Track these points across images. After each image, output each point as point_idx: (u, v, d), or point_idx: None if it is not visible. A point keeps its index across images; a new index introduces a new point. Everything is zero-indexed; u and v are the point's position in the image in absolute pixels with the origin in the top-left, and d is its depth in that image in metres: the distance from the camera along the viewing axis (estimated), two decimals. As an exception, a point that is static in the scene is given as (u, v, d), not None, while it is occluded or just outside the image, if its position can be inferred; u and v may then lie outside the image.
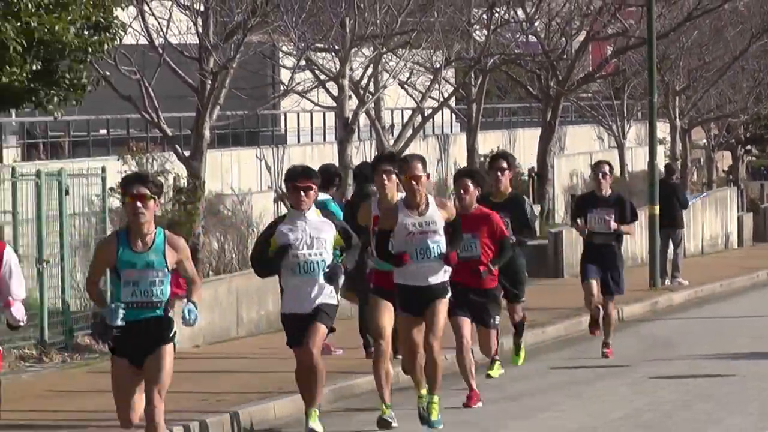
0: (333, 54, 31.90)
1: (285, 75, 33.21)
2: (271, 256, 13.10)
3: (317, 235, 12.93)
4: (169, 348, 11.13)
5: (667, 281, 30.62)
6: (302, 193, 12.91)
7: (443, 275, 13.75)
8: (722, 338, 23.46)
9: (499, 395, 18.01)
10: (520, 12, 36.99)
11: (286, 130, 43.46)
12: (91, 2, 21.89)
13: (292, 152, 40.39)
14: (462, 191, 15.17)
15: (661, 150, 39.37)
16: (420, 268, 13.54)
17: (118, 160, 27.20)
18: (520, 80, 40.70)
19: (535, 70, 38.15)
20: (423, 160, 13.91)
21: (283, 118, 42.92)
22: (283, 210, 31.97)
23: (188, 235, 24.94)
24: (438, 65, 34.61)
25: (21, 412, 15.74)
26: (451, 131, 47.98)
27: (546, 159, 39.81)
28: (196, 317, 10.98)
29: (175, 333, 11.24)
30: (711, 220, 41.77)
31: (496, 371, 17.21)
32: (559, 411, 17.35)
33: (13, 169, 24.28)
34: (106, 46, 22.62)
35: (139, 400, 11.27)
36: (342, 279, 13.16)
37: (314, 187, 13.11)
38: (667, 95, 42.47)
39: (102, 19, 21.93)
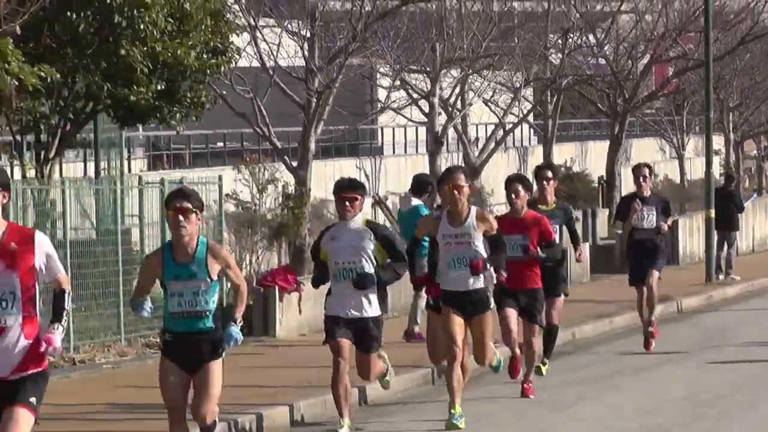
0: (425, 75, 31.34)
1: (382, 94, 33.04)
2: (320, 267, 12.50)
3: (358, 244, 12.18)
4: (217, 365, 10.30)
5: (722, 277, 29.54)
6: (347, 203, 12.20)
7: (482, 281, 12.77)
8: (772, 327, 23.51)
9: (571, 378, 17.23)
10: (591, 37, 35.46)
11: (382, 143, 42.93)
12: (210, 29, 20.45)
13: (387, 163, 39.49)
14: (513, 195, 14.26)
15: (716, 161, 37.61)
16: (459, 275, 12.64)
17: (233, 169, 26.36)
18: (591, 98, 38.88)
19: (605, 89, 36.33)
20: (465, 172, 13.15)
21: (380, 132, 42.45)
22: (380, 213, 31.66)
23: (296, 237, 24.43)
24: (518, 85, 32.22)
25: (144, 393, 15.12)
26: (530, 144, 47.23)
27: (614, 168, 38.19)
28: (236, 340, 9.99)
29: (224, 349, 10.24)
30: (761, 222, 40.62)
31: (545, 369, 16.29)
32: (625, 391, 16.59)
33: (140, 177, 25.00)
34: (222, 68, 21.60)
35: (188, 398, 10.69)
36: (374, 288, 12.14)
37: (359, 198, 12.37)
38: (722, 111, 41.54)
39: (219, 44, 20.98)
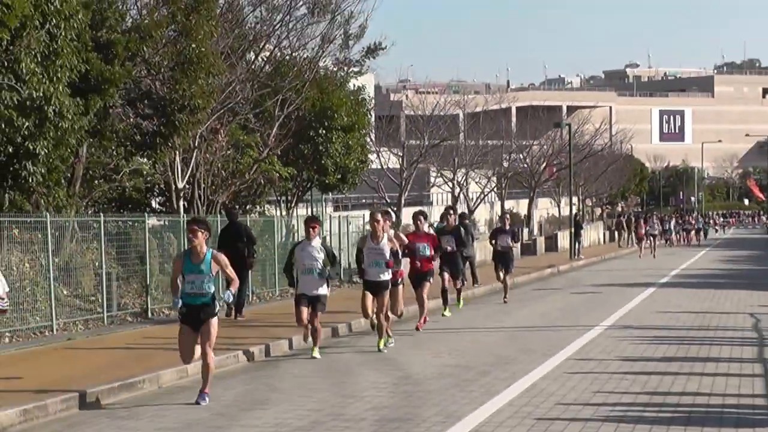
0: (451, 171, 57.98)
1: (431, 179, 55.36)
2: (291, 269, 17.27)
3: (316, 254, 16.69)
4: (214, 320, 13.02)
5: (576, 257, 50.90)
6: (311, 229, 16.81)
7: (386, 275, 17.74)
8: None
9: (512, 298, 27.78)
10: (521, 155, 69.12)
11: (431, 199, 63.74)
12: (359, 152, 33.87)
13: (433, 208, 61.40)
14: (419, 222, 20.51)
15: (573, 208, 74.10)
16: (375, 271, 17.70)
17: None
18: (521, 181, 69.31)
19: (526, 177, 68.30)
20: (382, 212, 18.63)
21: (431, 195, 63.90)
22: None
23: None
24: (490, 174, 61.46)
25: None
26: (493, 200, 66.97)
27: (530, 211, 67.18)
28: (230, 297, 13.24)
29: (218, 310, 13.22)
30: (590, 233, 67.45)
31: (448, 312, 23.78)
32: (530, 306, 26.71)
33: (329, 215, 38.13)
34: (364, 168, 36.33)
35: (196, 350, 13.24)
36: (330, 280, 17.02)
37: (317, 226, 16.91)
38: (576, 186, 66.53)
39: (363, 158, 35.25)
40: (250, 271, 24.19)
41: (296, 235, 31.26)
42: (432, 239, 20.46)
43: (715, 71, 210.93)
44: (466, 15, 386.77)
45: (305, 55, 32.79)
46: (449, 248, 23.14)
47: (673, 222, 76.22)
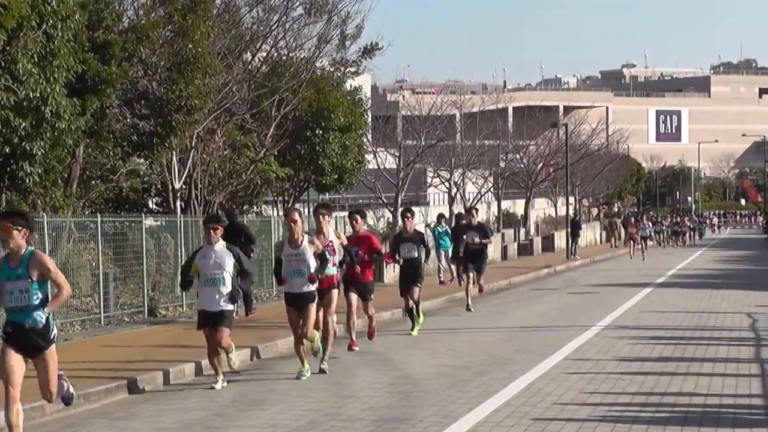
0: (447, 171, 55.66)
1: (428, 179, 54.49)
2: (190, 277, 14.26)
3: (221, 261, 13.82)
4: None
5: (572, 257, 51.31)
6: (212, 231, 13.88)
7: (310, 287, 14.71)
8: None
9: (503, 299, 28.76)
10: (518, 155, 68.56)
11: (428, 200, 63.95)
12: (355, 152, 33.91)
13: (430, 209, 59.53)
14: (354, 222, 17.91)
15: (570, 208, 73.34)
16: (297, 282, 14.67)
17: (367, 211, 40.83)
18: (518, 180, 68.63)
19: (523, 177, 68.30)
20: (299, 210, 15.68)
21: (427, 195, 62.75)
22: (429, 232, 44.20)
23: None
24: (487, 174, 62.08)
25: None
26: (490, 200, 65.79)
27: (527, 211, 66.64)
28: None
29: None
30: (587, 233, 67.15)
31: (416, 329, 20.52)
32: (527, 307, 26.60)
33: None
34: (361, 168, 36.10)
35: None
36: (240, 295, 14.33)
37: (220, 228, 13.95)
38: (573, 186, 69.90)
39: (359, 159, 34.78)
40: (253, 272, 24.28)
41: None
42: (369, 243, 17.78)
43: (712, 71, 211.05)
44: (463, 15, 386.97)
45: (302, 56, 32.83)
46: (413, 255, 20.76)
47: (667, 222, 75.40)
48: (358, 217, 18.59)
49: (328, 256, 15.11)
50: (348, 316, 17.76)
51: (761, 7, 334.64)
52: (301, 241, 14.49)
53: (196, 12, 23.95)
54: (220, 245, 13.89)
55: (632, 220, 57.66)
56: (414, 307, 20.54)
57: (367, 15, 32.70)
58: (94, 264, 21.57)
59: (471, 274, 24.98)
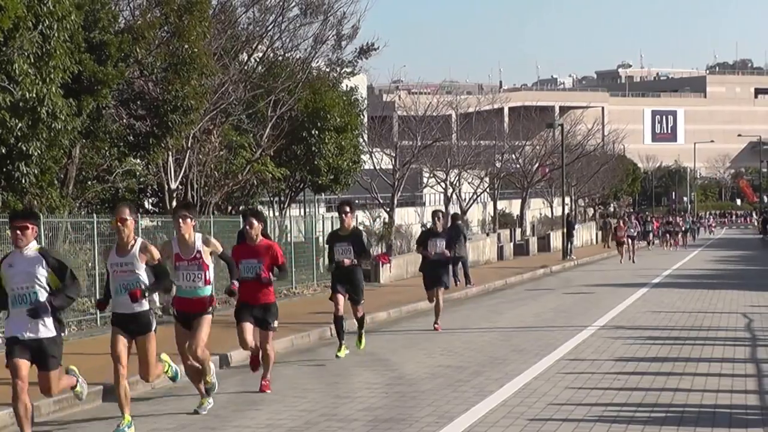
0: (443, 172, 55.78)
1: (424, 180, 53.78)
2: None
3: (31, 271, 10.27)
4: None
5: (568, 257, 50.81)
6: (18, 232, 10.36)
7: (146, 305, 11.53)
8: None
9: (499, 299, 29.11)
10: (514, 155, 68.54)
11: (424, 200, 62.52)
12: (351, 153, 33.61)
13: (426, 209, 59.13)
14: (248, 226, 13.51)
15: (566, 208, 73.86)
16: (125, 300, 11.37)
17: (364, 212, 40.76)
18: (513, 181, 68.25)
19: (519, 178, 68.35)
20: (130, 206, 11.64)
21: (423, 195, 61.46)
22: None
23: (388, 240, 37.98)
24: (483, 174, 61.30)
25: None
26: (486, 200, 66.17)
27: (522, 211, 66.74)
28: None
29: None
30: (583, 234, 69.45)
31: (343, 352, 16.60)
32: (526, 306, 26.89)
33: (322, 216, 37.70)
34: (357, 169, 35.30)
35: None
36: (48, 314, 10.28)
37: (30, 227, 10.39)
38: (569, 186, 63.58)
39: (356, 159, 34.60)
40: None
41: (288, 234, 31.42)
42: (270, 254, 13.61)
43: (708, 71, 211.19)
44: (459, 16, 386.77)
45: (298, 56, 32.88)
46: (346, 261, 16.52)
47: (657, 222, 73.10)
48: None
49: (188, 270, 12.45)
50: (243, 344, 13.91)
51: (757, 7, 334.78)
52: (131, 247, 11.37)
53: (192, 12, 23.97)
54: (33, 248, 10.49)
55: (620, 222, 54.20)
56: (358, 324, 17.33)
57: (363, 15, 32.97)
58: (90, 264, 21.49)
59: (435, 290, 21.21)
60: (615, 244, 52.44)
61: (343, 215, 16.36)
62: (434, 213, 21.63)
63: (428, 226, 24.77)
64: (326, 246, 17.50)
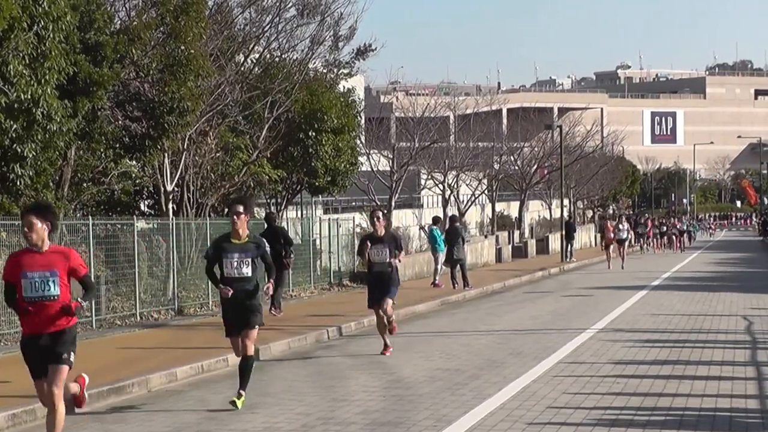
0: (441, 173, 54.64)
1: (422, 181, 53.89)
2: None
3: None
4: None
5: (567, 259, 50.83)
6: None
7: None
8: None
9: (497, 302, 29.29)
10: (512, 157, 67.60)
11: (421, 202, 63.09)
12: (349, 155, 33.42)
13: (424, 211, 60.30)
14: (27, 229, 10.21)
15: (564, 210, 71.90)
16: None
17: (360, 214, 40.63)
18: (512, 183, 67.65)
19: (517, 180, 65.55)
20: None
21: (421, 197, 62.10)
22: (423, 235, 45.86)
23: None
24: (481, 176, 61.43)
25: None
26: (484, 202, 67.42)
27: (521, 214, 66.82)
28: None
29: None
30: (582, 236, 69.23)
31: (240, 402, 12.77)
32: (524, 309, 27.10)
33: (320, 218, 38.03)
34: (354, 171, 34.90)
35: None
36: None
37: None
38: (567, 188, 69.06)
39: (353, 161, 34.48)
40: (287, 270, 25.67)
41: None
42: (65, 264, 10.26)
43: (707, 72, 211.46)
44: (457, 17, 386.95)
45: (295, 57, 32.91)
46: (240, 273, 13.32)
47: (650, 225, 69.83)
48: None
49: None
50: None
51: (756, 8, 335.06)
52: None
53: (188, 13, 24.02)
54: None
55: (607, 223, 51.01)
56: (245, 357, 13.11)
57: (360, 16, 32.95)
58: (85, 267, 21.48)
59: (381, 304, 17.78)
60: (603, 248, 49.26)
61: (235, 217, 13.17)
62: (372, 213, 18.34)
63: (426, 228, 24.46)
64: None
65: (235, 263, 12.98)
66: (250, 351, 13.07)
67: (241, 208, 13.12)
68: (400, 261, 17.84)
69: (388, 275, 17.71)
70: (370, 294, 18.01)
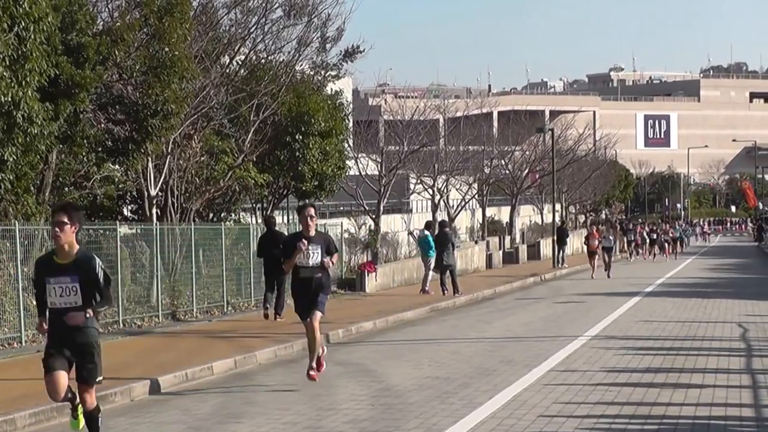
0: (430, 178, 55.26)
1: (411, 186, 53.76)
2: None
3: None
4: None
5: (559, 265, 51.39)
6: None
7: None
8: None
9: (488, 309, 29.27)
10: (503, 161, 68.67)
11: (411, 207, 63.48)
12: (336, 158, 33.68)
13: (414, 216, 60.55)
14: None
15: (557, 215, 68.93)
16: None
17: (348, 219, 41.52)
18: (503, 187, 67.33)
19: (509, 185, 67.08)
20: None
21: (411, 202, 62.52)
22: (412, 240, 45.62)
23: (373, 248, 37.52)
24: (471, 181, 60.87)
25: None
26: (474, 207, 65.96)
27: (512, 218, 67.20)
28: None
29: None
30: (574, 241, 67.49)
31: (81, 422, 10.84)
32: (515, 315, 27.12)
33: None
34: (342, 175, 35.34)
35: None
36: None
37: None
38: (559, 193, 65.38)
39: (341, 165, 34.65)
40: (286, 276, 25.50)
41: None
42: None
43: (701, 75, 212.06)
44: (447, 18, 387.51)
45: (281, 59, 32.95)
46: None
47: (645, 230, 68.12)
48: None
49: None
50: None
51: (751, 9, 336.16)
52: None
53: (172, 14, 24.05)
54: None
55: (593, 229, 48.85)
56: (74, 400, 10.94)
57: (348, 17, 32.89)
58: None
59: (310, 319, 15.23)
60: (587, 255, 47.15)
61: (57, 229, 10.33)
62: (300, 209, 15.64)
63: (415, 233, 24.36)
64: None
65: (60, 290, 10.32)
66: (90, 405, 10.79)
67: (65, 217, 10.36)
68: (333, 264, 15.25)
69: (318, 281, 14.99)
70: (300, 306, 15.34)
